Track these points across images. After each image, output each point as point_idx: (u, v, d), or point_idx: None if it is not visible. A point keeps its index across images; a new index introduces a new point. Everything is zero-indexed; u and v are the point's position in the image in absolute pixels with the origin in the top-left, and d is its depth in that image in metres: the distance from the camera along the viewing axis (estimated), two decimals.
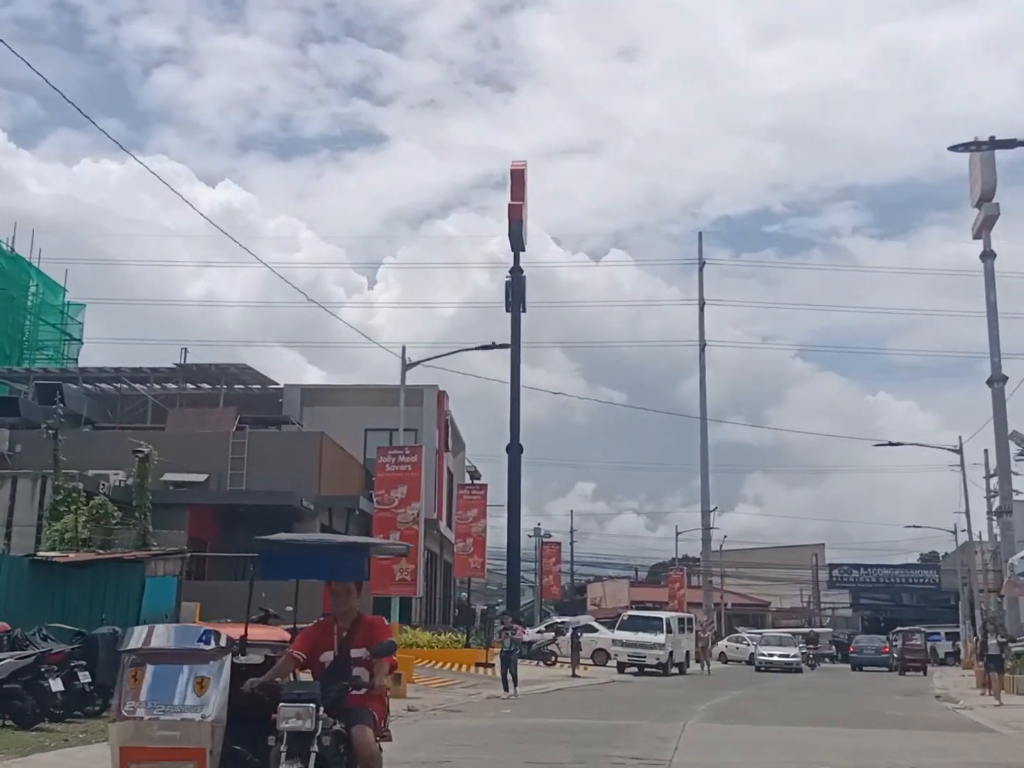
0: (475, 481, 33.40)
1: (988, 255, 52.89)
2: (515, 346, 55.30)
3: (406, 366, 20.91)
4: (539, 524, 56.71)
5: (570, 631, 33.17)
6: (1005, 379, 51.74)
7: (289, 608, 22.89)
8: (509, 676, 21.20)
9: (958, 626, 74.31)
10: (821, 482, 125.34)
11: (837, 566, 78.64)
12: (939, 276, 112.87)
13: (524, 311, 55.73)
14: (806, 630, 60.31)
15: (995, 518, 63.21)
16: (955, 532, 58.58)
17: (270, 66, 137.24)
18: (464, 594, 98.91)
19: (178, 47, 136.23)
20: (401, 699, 19.11)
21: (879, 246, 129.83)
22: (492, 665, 31.44)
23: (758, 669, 40.61)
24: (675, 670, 36.09)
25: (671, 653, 35.45)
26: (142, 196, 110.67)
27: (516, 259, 55.62)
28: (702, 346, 73.63)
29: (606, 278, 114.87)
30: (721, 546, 72.94)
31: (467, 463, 36.36)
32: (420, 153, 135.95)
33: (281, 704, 6.16)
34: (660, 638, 34.83)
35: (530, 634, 36.69)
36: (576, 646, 31.95)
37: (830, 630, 70.68)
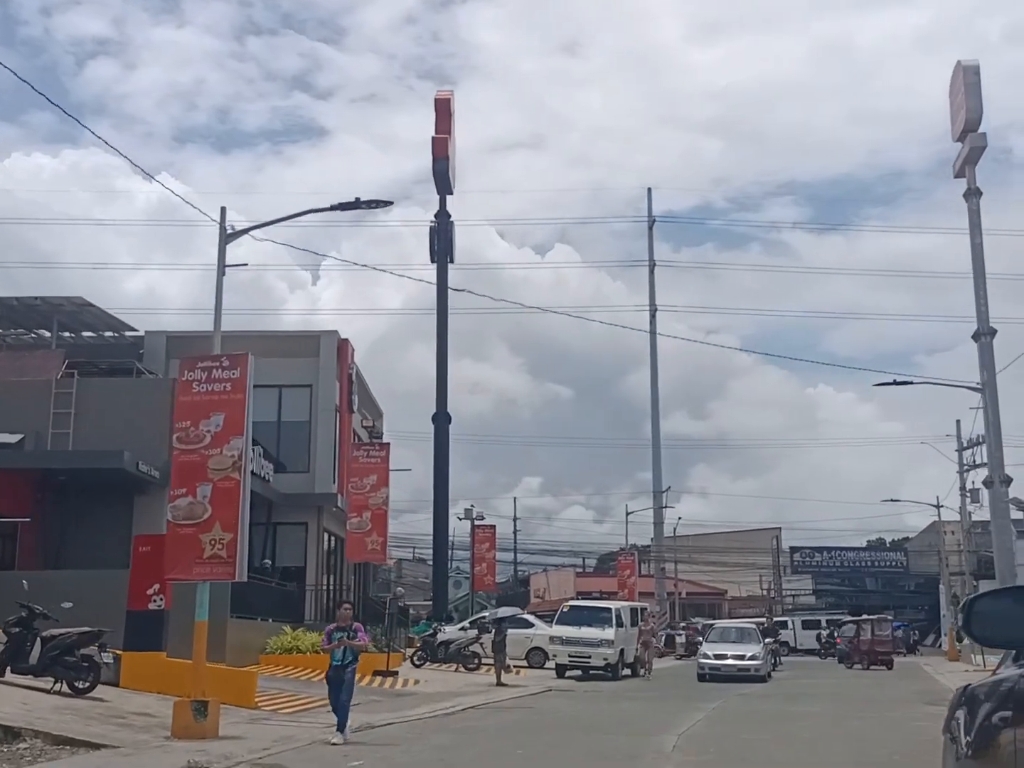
0: (375, 440, 26.23)
1: (973, 193, 46.84)
2: (441, 301, 48.58)
3: (226, 236, 14.04)
4: (472, 505, 49.79)
5: (496, 626, 26.16)
6: (993, 332, 45.89)
7: (67, 604, 15.41)
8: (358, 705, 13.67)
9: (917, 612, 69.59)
10: (765, 472, 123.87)
11: (799, 550, 72.79)
12: (879, 270, 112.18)
13: (452, 261, 49.05)
14: (763, 619, 52.44)
15: (966, 495, 58.16)
16: (938, 506, 52.65)
17: (207, 58, 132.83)
18: (401, 589, 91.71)
19: (112, 38, 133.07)
20: (205, 741, 12.28)
21: (818, 240, 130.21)
22: (394, 673, 24.67)
23: (701, 678, 27.94)
24: (627, 671, 29.56)
25: (622, 651, 28.90)
26: (76, 190, 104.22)
27: (442, 202, 48.90)
28: (652, 311, 67.88)
29: (552, 272, 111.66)
30: (675, 530, 66.89)
31: (363, 416, 28.99)
32: (362, 147, 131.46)
33: None
34: (608, 633, 28.20)
35: (447, 632, 29.86)
36: (500, 646, 25.10)
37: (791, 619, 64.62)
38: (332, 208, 14.61)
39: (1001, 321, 44.75)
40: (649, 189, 71.04)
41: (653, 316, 67.78)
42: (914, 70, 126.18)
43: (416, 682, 24.18)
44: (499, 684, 24.49)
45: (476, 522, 48.03)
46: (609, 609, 29.49)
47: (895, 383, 26.14)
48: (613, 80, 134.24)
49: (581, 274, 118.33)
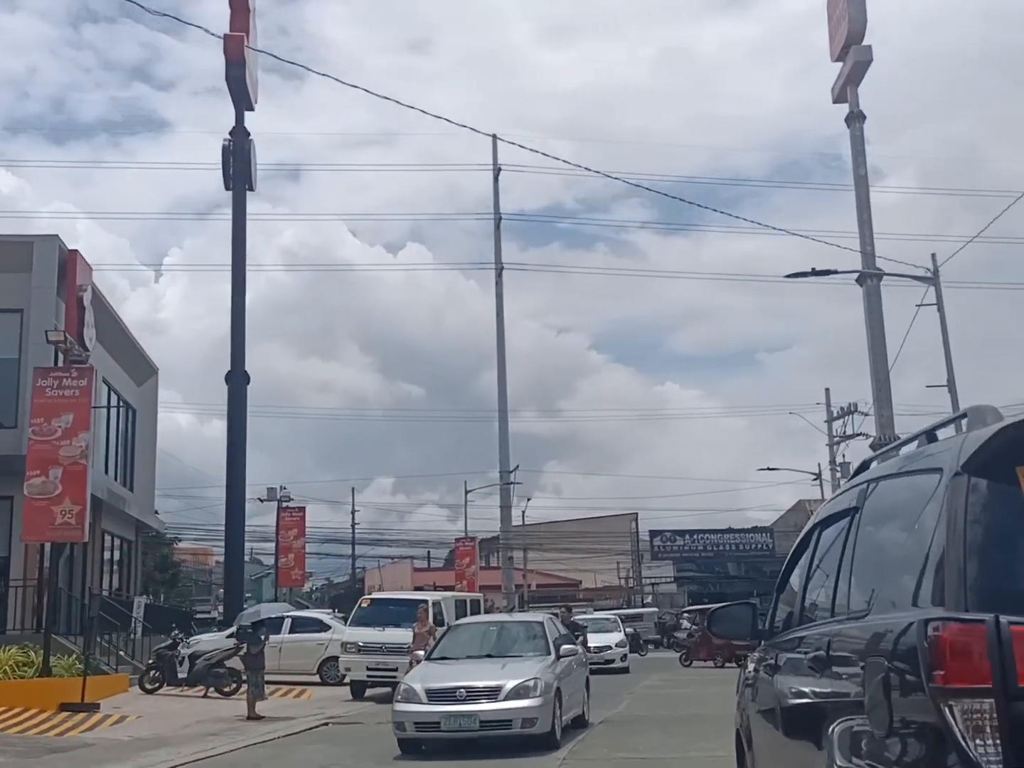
0: (73, 364, 17.84)
1: (856, 117, 41.11)
2: (238, 232, 40.01)
3: None
4: (282, 485, 41.34)
5: (255, 631, 18.02)
6: (881, 275, 40.41)
7: None
8: None
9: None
10: (619, 467, 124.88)
11: (659, 533, 66.94)
12: (720, 271, 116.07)
13: (252, 188, 40.50)
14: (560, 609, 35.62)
15: (836, 469, 53.26)
16: (819, 476, 47.14)
17: (41, 45, 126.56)
18: (216, 585, 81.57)
19: None
20: None
21: (664, 242, 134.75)
22: (92, 707, 16.50)
23: (406, 746, 12.48)
24: None
25: None
26: None
27: (239, 117, 40.11)
28: (499, 270, 60.83)
29: (405, 271, 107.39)
30: (524, 513, 59.97)
31: (54, 331, 20.22)
32: (205, 140, 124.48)
33: None
34: None
35: (203, 642, 21.65)
36: (255, 661, 17.03)
37: (655, 609, 58.49)
38: None
39: None
40: (494, 136, 63.14)
41: (499, 275, 61.05)
42: (751, 79, 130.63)
43: (122, 719, 16.10)
44: (251, 718, 16.56)
45: (283, 504, 39.71)
46: (425, 602, 21.67)
47: (813, 272, 19.52)
48: (462, 79, 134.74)
49: (433, 271, 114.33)
